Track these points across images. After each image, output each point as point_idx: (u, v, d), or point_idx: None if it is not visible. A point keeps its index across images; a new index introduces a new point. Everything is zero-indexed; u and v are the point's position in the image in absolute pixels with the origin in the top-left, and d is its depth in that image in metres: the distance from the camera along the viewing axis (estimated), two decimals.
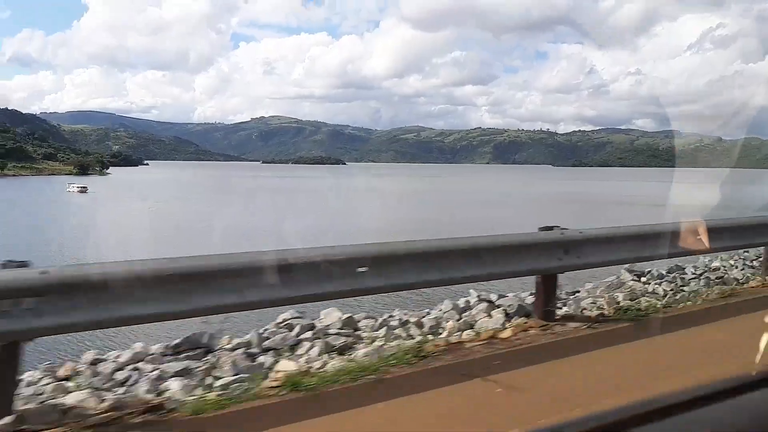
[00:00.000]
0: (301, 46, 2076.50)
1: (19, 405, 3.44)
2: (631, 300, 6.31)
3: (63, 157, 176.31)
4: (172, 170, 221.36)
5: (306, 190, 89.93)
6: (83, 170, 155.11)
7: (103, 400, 3.61)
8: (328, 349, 4.75)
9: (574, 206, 54.16)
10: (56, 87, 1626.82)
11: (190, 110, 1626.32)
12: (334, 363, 4.31)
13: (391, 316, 5.82)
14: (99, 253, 24.05)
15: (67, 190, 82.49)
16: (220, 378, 4.12)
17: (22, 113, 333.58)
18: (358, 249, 4.65)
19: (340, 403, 3.69)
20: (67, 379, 4.19)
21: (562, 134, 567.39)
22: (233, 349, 4.76)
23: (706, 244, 6.13)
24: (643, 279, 7.57)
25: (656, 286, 7.13)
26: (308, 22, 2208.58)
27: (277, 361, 4.41)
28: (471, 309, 5.98)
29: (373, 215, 47.06)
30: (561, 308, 5.88)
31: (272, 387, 3.86)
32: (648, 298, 6.43)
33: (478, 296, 6.30)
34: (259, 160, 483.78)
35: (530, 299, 5.99)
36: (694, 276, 7.82)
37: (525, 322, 5.39)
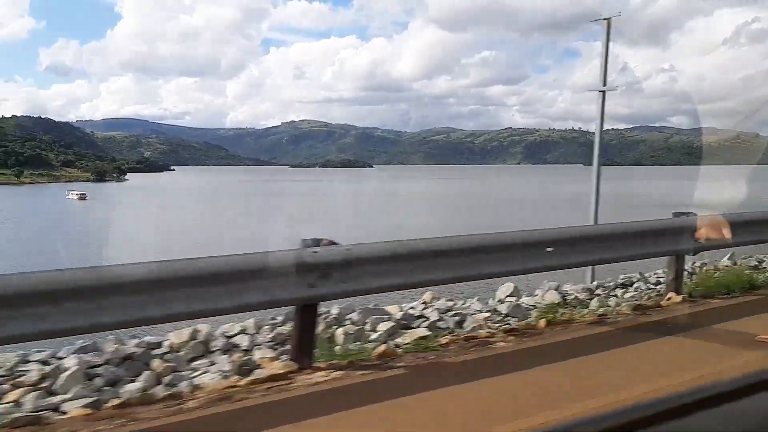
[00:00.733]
0: (330, 49, 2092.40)
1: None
2: None
3: (82, 164, 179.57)
4: (195, 176, 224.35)
5: (299, 194, 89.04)
6: (100, 177, 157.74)
7: None
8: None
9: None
10: (91, 95, 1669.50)
11: (222, 116, 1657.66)
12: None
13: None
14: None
15: (67, 197, 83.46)
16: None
17: (54, 121, 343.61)
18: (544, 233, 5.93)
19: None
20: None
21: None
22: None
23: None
24: None
25: None
26: (337, 26, 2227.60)
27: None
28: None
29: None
30: None
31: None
32: None
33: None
34: (287, 165, 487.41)
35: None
36: None
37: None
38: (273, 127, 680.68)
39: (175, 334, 4.87)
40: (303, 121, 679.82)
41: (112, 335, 4.65)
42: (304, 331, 4.44)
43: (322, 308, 4.92)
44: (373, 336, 5.18)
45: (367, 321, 5.50)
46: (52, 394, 3.88)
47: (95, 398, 3.74)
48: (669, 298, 6.42)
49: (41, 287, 3.58)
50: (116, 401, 3.71)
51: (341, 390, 3.94)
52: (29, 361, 4.30)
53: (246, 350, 4.75)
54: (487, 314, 5.89)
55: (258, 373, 4.19)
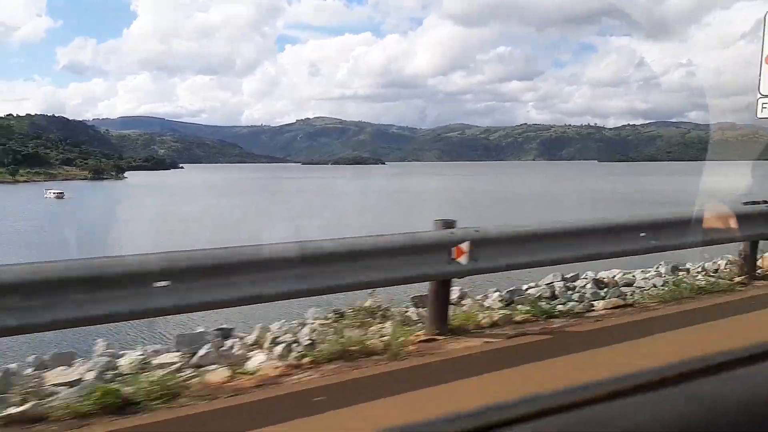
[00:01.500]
0: (345, 46, 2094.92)
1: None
2: None
3: (82, 162, 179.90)
4: (203, 173, 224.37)
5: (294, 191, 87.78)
6: (98, 175, 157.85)
7: None
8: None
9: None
10: (109, 93, 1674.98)
11: (238, 113, 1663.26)
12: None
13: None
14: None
15: (45, 196, 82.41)
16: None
17: (68, 119, 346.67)
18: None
19: None
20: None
21: (611, 129, 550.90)
22: None
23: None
24: None
25: None
26: (352, 23, 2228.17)
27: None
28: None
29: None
30: None
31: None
32: None
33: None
34: (301, 162, 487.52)
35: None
36: None
37: None
38: (288, 124, 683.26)
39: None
40: (318, 118, 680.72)
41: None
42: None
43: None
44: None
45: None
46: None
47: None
48: None
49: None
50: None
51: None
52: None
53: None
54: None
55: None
